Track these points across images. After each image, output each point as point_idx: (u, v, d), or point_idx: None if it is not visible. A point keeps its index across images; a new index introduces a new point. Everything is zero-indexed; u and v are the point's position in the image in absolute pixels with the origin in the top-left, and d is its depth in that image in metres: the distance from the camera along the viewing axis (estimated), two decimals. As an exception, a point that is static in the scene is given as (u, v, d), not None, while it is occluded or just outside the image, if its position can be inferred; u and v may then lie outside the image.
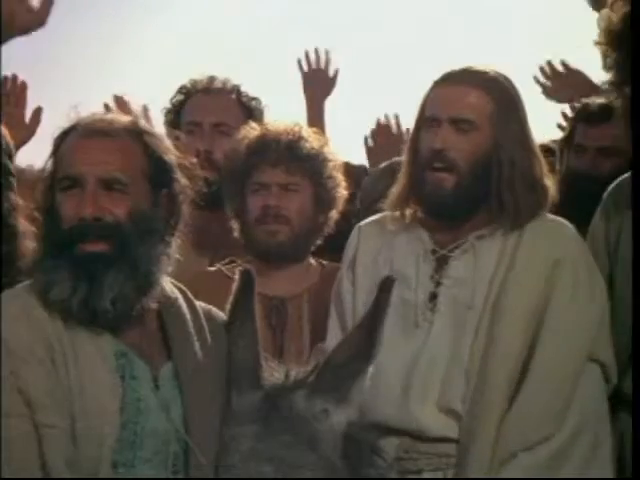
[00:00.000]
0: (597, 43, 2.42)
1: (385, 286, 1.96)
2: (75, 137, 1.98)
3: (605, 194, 2.53)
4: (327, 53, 4.04)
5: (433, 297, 2.34)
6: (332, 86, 4.04)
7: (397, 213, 2.44)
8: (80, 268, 1.87)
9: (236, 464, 1.85)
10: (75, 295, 1.85)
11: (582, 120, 3.14)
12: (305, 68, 4.04)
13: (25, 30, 2.18)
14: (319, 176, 2.67)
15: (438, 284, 2.35)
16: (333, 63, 4.04)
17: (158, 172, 1.98)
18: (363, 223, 2.53)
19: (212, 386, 1.95)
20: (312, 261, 2.75)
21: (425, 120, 2.39)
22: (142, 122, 2.02)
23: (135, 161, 1.96)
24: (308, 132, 2.70)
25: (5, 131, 2.38)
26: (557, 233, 2.38)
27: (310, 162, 2.66)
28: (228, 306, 2.04)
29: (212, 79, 3.20)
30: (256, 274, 2.59)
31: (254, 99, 3.21)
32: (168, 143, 2.03)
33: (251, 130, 2.72)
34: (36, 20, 2.17)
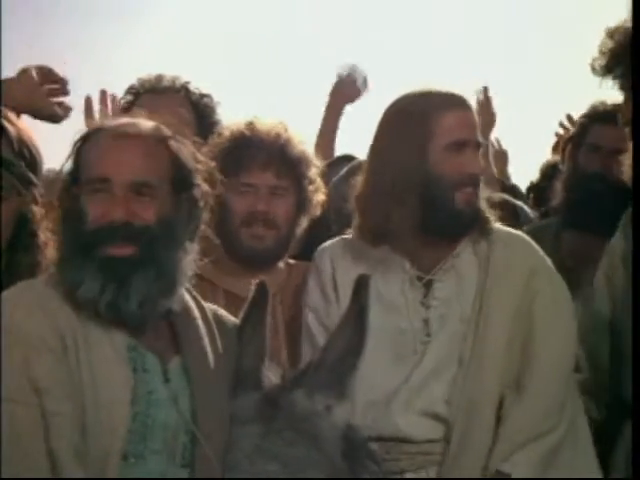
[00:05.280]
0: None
1: (362, 282, 1.99)
2: (102, 139, 1.97)
3: (626, 211, 2.55)
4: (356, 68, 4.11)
5: (426, 322, 2.39)
6: (358, 96, 4.09)
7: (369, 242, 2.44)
8: (107, 270, 1.88)
9: (240, 462, 1.87)
10: (103, 295, 1.87)
11: (597, 120, 3.11)
12: (341, 75, 4.07)
13: (40, 116, 2.29)
14: (303, 180, 2.65)
15: (428, 307, 2.40)
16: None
17: (180, 177, 1.98)
18: (329, 245, 2.53)
19: (220, 381, 1.98)
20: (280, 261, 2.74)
21: (452, 144, 2.37)
22: (165, 128, 2.02)
23: (161, 165, 1.96)
24: (294, 133, 2.66)
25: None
26: (525, 243, 2.50)
27: (298, 166, 2.63)
28: (241, 314, 2.09)
29: (160, 78, 3.14)
30: (231, 276, 2.61)
31: (205, 96, 3.15)
32: (191, 148, 2.03)
33: (237, 128, 2.67)
34: (54, 116, 2.28)
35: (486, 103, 4.02)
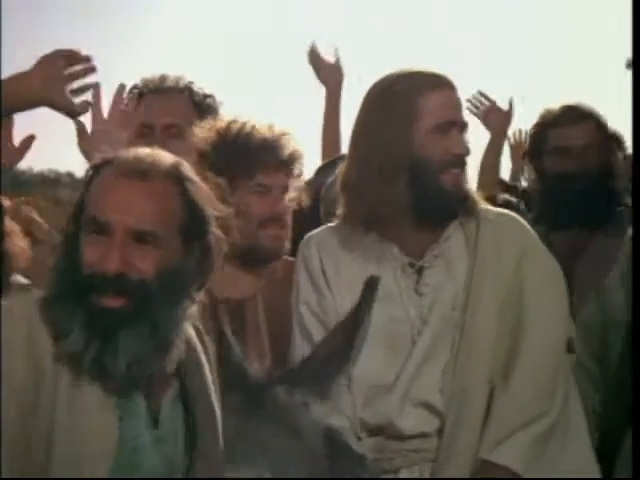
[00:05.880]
0: None
1: (371, 283, 1.96)
2: (110, 174, 1.81)
3: None
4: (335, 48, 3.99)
5: (421, 309, 2.36)
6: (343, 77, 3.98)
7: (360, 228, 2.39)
8: (95, 321, 1.73)
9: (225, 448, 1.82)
10: (88, 351, 1.72)
11: (554, 125, 3.19)
12: (316, 61, 3.92)
13: (55, 109, 2.24)
14: (300, 177, 2.69)
15: (421, 295, 2.37)
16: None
17: (193, 224, 1.83)
18: (314, 234, 2.50)
19: (217, 407, 1.91)
20: None
21: (439, 125, 2.34)
22: (185, 166, 1.87)
23: (172, 210, 1.81)
24: (288, 131, 2.65)
25: None
26: (515, 223, 2.47)
27: (297, 163, 2.65)
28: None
29: (164, 78, 3.12)
30: (223, 277, 2.50)
31: (208, 97, 3.12)
32: (207, 191, 1.89)
33: (232, 128, 2.64)
34: (71, 111, 2.23)
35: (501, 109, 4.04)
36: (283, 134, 2.62)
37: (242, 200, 2.56)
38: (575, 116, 3.14)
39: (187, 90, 3.11)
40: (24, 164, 2.97)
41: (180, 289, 1.80)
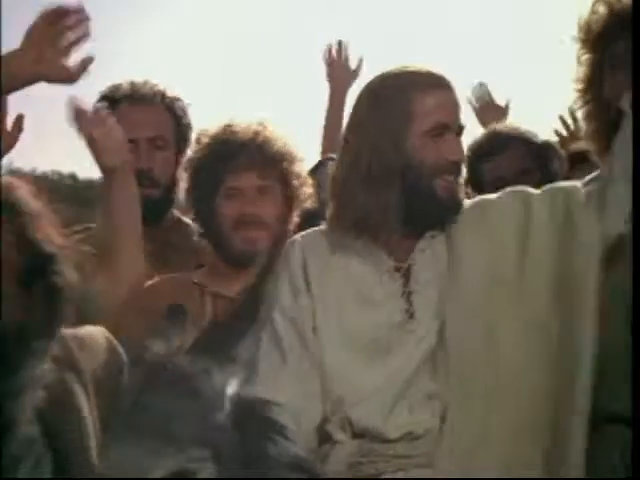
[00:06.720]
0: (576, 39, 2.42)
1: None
2: None
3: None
4: (346, 46, 4.17)
5: (408, 312, 2.31)
6: (354, 78, 4.07)
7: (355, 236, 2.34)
8: None
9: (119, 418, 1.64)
10: None
11: (485, 156, 3.26)
12: (329, 60, 4.12)
13: (52, 81, 2.19)
14: (288, 176, 2.66)
15: (410, 295, 2.32)
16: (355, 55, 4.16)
17: (34, 266, 1.54)
18: (299, 236, 2.44)
19: None
20: None
21: (433, 128, 2.26)
22: (19, 190, 1.57)
23: (5, 259, 1.50)
24: (273, 130, 2.67)
25: None
26: (483, 200, 2.42)
27: (280, 163, 2.64)
28: None
29: (135, 85, 3.11)
30: (219, 277, 2.65)
31: (178, 100, 3.15)
32: (48, 218, 1.60)
33: (215, 132, 2.67)
34: (67, 78, 2.18)
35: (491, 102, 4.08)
36: (256, 133, 2.62)
37: (218, 204, 2.63)
38: (500, 144, 3.23)
39: (160, 96, 3.11)
40: (28, 165, 2.96)
41: (22, 351, 1.48)
